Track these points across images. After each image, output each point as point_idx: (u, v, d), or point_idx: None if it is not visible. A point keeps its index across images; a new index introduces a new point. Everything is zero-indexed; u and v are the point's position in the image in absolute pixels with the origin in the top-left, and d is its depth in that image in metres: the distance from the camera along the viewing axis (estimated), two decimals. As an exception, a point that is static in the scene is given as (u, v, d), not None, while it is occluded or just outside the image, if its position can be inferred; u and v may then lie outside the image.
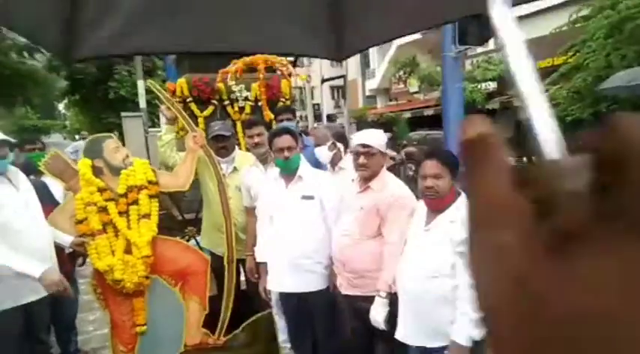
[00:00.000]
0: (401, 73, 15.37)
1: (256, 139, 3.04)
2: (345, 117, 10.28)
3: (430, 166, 2.11)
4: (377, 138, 2.47)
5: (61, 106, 41.25)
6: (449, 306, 2.05)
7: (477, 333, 1.97)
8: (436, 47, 20.19)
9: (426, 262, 2.10)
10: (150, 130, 10.49)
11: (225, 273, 3.12)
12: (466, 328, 1.96)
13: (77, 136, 10.45)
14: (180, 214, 3.49)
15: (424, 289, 2.09)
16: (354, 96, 24.20)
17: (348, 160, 2.91)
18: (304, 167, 2.75)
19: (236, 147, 3.37)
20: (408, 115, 19.23)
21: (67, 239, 2.80)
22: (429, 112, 17.50)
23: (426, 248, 2.12)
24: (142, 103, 11.71)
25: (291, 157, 2.63)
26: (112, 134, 3.01)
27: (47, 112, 43.06)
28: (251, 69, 4.32)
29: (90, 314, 4.34)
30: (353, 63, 26.30)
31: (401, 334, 2.23)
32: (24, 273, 2.36)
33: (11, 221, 2.50)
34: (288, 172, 2.70)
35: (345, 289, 2.52)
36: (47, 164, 2.83)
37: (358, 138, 2.45)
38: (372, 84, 24.88)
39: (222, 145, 3.22)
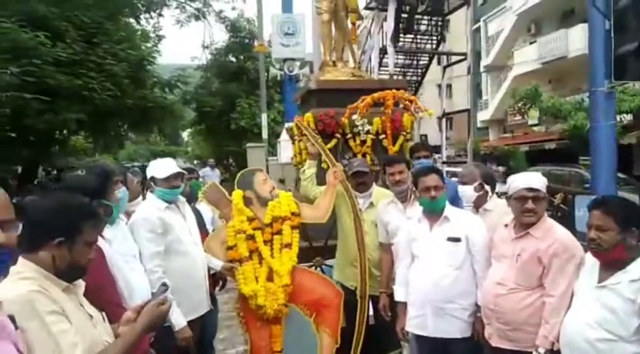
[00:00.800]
0: (520, 104, 14.57)
1: (397, 177, 3.06)
2: (469, 150, 9.88)
3: (595, 216, 1.96)
4: (541, 181, 2.35)
5: (184, 134, 45.56)
6: (625, 372, 1.84)
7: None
8: (557, 78, 19.09)
9: (601, 323, 1.91)
10: (269, 158, 11.19)
11: (358, 307, 3.15)
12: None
13: (205, 165, 11.46)
14: (308, 242, 3.60)
15: (597, 352, 1.90)
16: (463, 127, 23.42)
17: (494, 203, 2.79)
18: (451, 208, 2.70)
19: (374, 183, 3.42)
20: (525, 148, 18.11)
21: (217, 263, 3.03)
22: (551, 145, 16.31)
23: (600, 307, 1.94)
24: (265, 134, 12.56)
25: (438, 198, 2.60)
26: (261, 168, 3.24)
27: (172, 140, 47.83)
28: (376, 104, 4.41)
29: (219, 333, 4.59)
30: (463, 93, 25.64)
31: (562, 398, 2.04)
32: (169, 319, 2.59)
33: (177, 244, 2.77)
34: (434, 212, 2.67)
35: (495, 342, 2.38)
36: (206, 194, 3.13)
37: (523, 181, 2.33)
38: (484, 115, 23.96)
39: (361, 181, 3.29)
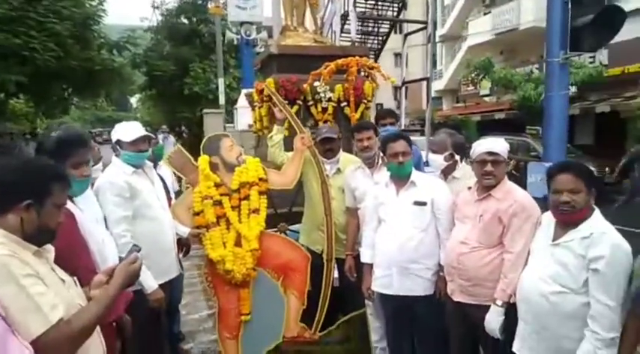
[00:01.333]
0: (473, 74, 14.93)
1: (366, 143, 3.10)
2: (427, 119, 9.95)
3: (566, 180, 2.05)
4: (502, 146, 2.45)
5: (133, 100, 43.71)
6: (575, 323, 2.00)
7: (606, 353, 1.93)
8: (509, 49, 19.64)
9: (554, 277, 2.05)
10: (226, 125, 10.96)
11: (324, 270, 3.22)
12: (596, 347, 1.92)
13: (160, 133, 11.06)
14: (273, 209, 3.62)
15: (550, 305, 2.05)
16: (418, 96, 23.84)
17: (462, 170, 2.90)
18: (417, 173, 2.78)
19: (340, 149, 3.44)
20: (477, 118, 18.70)
21: (184, 230, 2.99)
22: (501, 115, 16.92)
23: (554, 263, 2.08)
24: (222, 100, 12.26)
25: (405, 163, 2.67)
26: (227, 133, 3.19)
27: (120, 105, 45.86)
28: (338, 71, 4.39)
29: (182, 299, 4.59)
30: (419, 63, 25.93)
31: (517, 347, 2.20)
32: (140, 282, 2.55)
33: (146, 209, 2.71)
34: (401, 177, 2.74)
35: (457, 296, 2.52)
36: (171, 159, 3.05)
37: (484, 146, 2.44)
38: (439, 85, 24.42)
39: (329, 147, 3.31)
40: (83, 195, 2.11)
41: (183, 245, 3.41)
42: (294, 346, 3.12)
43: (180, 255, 3.43)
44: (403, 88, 12.85)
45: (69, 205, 1.80)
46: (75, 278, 1.54)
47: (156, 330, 2.81)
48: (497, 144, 2.44)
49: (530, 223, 2.32)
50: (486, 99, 19.82)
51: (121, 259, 1.67)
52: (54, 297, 1.33)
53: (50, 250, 1.49)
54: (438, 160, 2.86)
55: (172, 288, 3.26)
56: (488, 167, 2.39)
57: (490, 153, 2.40)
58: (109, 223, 2.51)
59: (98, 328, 1.51)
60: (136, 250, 1.65)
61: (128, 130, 2.74)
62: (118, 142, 2.73)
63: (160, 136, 11.22)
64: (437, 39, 21.68)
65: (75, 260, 1.69)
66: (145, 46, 18.30)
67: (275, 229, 3.57)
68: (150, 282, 2.62)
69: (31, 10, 9.69)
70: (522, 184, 4.23)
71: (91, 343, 1.44)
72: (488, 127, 16.58)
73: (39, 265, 1.37)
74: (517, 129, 13.91)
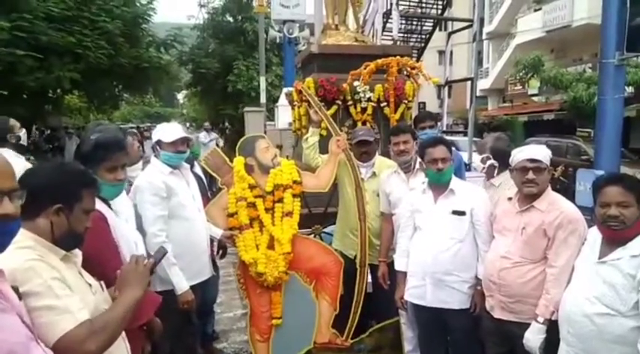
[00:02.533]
0: (521, 73, 14.35)
1: (402, 147, 3.01)
2: (470, 119, 9.58)
3: (615, 192, 1.92)
4: (544, 152, 2.32)
5: (179, 96, 45.02)
6: (622, 348, 1.86)
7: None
8: (560, 47, 18.78)
9: (600, 298, 1.92)
10: (267, 123, 11.06)
11: (357, 276, 3.16)
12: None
13: (202, 131, 11.27)
14: (307, 209, 3.59)
15: (595, 326, 1.91)
16: (462, 95, 23.23)
17: (502, 178, 2.76)
18: (456, 180, 2.68)
19: (377, 153, 3.37)
20: (524, 118, 18.01)
21: (217, 231, 3.00)
22: (550, 116, 16.22)
23: (600, 282, 1.94)
24: (263, 98, 12.38)
25: (444, 170, 2.57)
26: (263, 134, 3.18)
27: (167, 101, 47.33)
28: (378, 71, 4.30)
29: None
30: (464, 61, 25.27)
31: (560, 368, 2.08)
32: (172, 282, 2.60)
33: (180, 210, 2.72)
34: (439, 184, 2.64)
35: (498, 313, 2.40)
36: (208, 160, 3.07)
37: (526, 153, 2.32)
38: (484, 84, 23.70)
39: (364, 150, 3.24)
40: (119, 198, 2.14)
41: (220, 247, 3.46)
42: (325, 352, 3.09)
43: (217, 256, 3.48)
44: (446, 87, 12.52)
45: (103, 208, 1.82)
46: (102, 282, 1.56)
47: (187, 331, 2.83)
48: (539, 151, 2.32)
49: (577, 236, 2.18)
50: (534, 99, 19.05)
51: (150, 257, 1.68)
52: (80, 300, 1.34)
53: (78, 254, 1.52)
54: (476, 161, 2.75)
55: (205, 289, 3.30)
56: (530, 175, 2.27)
57: (532, 160, 2.28)
58: (145, 222, 2.55)
59: (124, 333, 1.52)
60: (163, 252, 1.65)
61: (168, 131, 2.76)
62: (158, 142, 2.76)
63: (202, 134, 11.49)
64: (484, 36, 21.05)
65: (106, 263, 1.71)
66: (191, 44, 18.76)
67: (309, 231, 3.54)
68: (181, 283, 2.63)
69: (84, 9, 10.11)
70: (570, 191, 4.02)
71: (116, 347, 1.45)
72: (536, 128, 15.95)
73: (66, 269, 1.39)
74: (567, 131, 13.29)
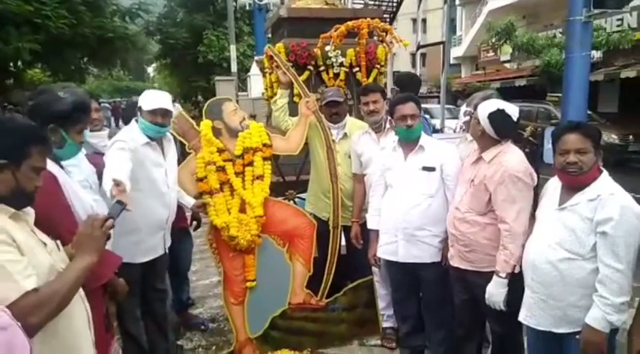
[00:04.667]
0: (494, 39, 14.36)
1: (372, 107, 2.99)
2: (442, 85, 9.62)
3: (573, 140, 1.95)
4: (483, 106, 2.33)
5: (149, 70, 43.68)
6: (584, 290, 1.93)
7: (617, 319, 1.86)
8: (532, 13, 18.83)
9: (561, 243, 1.97)
10: (240, 93, 10.87)
11: (330, 238, 3.19)
12: (605, 313, 1.85)
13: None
14: (280, 177, 3.57)
15: (558, 272, 1.97)
16: (436, 63, 23.20)
17: None
18: (426, 137, 2.68)
19: (347, 114, 3.34)
20: (496, 85, 18.16)
21: (189, 201, 2.91)
22: (521, 82, 16.37)
23: (561, 228, 1.99)
24: (234, 67, 12.10)
25: (414, 126, 2.56)
26: (230, 97, 3.10)
27: (137, 75, 45.89)
28: (349, 34, 4.23)
29: (192, 266, 4.63)
30: (438, 29, 25.16)
31: (523, 316, 2.14)
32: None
33: (146, 183, 2.51)
34: (409, 141, 2.64)
35: (456, 262, 2.47)
36: (174, 124, 2.98)
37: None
38: (458, 52, 23.70)
39: (335, 111, 3.21)
40: (76, 160, 2.06)
41: (194, 219, 3.39)
42: (300, 313, 3.13)
43: (191, 228, 3.42)
44: (418, 54, 12.46)
45: (54, 168, 1.75)
46: (58, 242, 1.51)
47: (153, 297, 2.76)
48: (481, 106, 2.36)
49: (523, 189, 2.23)
50: (507, 65, 19.17)
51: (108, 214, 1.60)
52: (27, 266, 1.29)
53: (30, 213, 1.45)
54: (461, 113, 2.77)
55: (181, 256, 3.27)
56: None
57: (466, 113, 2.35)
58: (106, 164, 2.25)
59: (82, 292, 1.49)
60: (120, 208, 1.59)
61: (149, 98, 2.55)
62: (139, 108, 2.56)
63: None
64: (456, 2, 20.92)
65: (57, 223, 1.65)
66: (157, 14, 18.10)
67: (283, 197, 3.53)
68: None
69: (42, -25, 9.59)
70: (539, 153, 4.11)
71: (74, 308, 1.42)
72: (509, 94, 16.07)
73: (16, 228, 1.33)
74: (538, 96, 13.46)
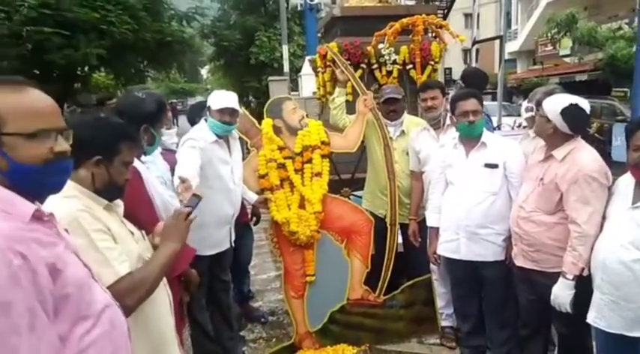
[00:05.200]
0: (553, 32, 13.72)
1: (430, 103, 2.97)
2: (499, 80, 9.27)
3: None
4: (550, 103, 2.24)
5: (203, 71, 45.03)
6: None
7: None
8: (594, 4, 17.83)
9: (635, 243, 1.89)
10: (291, 93, 11.03)
11: (388, 235, 3.20)
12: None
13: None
14: (337, 174, 3.61)
15: (631, 272, 1.89)
16: (489, 59, 22.50)
17: None
18: (488, 133, 2.64)
19: (405, 111, 3.34)
20: (555, 80, 17.38)
21: (252, 196, 3.03)
22: (582, 77, 15.60)
23: (634, 227, 1.91)
24: (286, 67, 12.30)
25: (476, 122, 2.53)
26: (290, 96, 3.18)
27: (192, 77, 47.42)
28: (403, 32, 4.20)
29: (251, 261, 4.77)
30: (491, 24, 24.39)
31: (592, 318, 2.06)
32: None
33: (214, 180, 2.65)
34: (471, 137, 2.61)
35: (520, 262, 2.41)
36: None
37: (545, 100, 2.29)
38: (513, 46, 22.86)
39: (392, 109, 3.22)
40: (152, 156, 2.21)
41: (254, 214, 3.53)
42: (359, 308, 3.16)
43: (252, 222, 3.56)
44: (474, 50, 12.14)
45: (136, 163, 1.89)
46: (143, 231, 1.62)
47: (218, 288, 2.89)
48: (548, 99, 2.27)
49: (597, 189, 2.12)
50: (567, 60, 18.31)
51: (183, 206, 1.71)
52: (121, 253, 1.40)
53: (120, 204, 1.57)
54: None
55: (242, 251, 3.39)
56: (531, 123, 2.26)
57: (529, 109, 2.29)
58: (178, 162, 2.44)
59: (165, 279, 1.59)
60: (197, 200, 1.68)
61: (217, 98, 2.72)
62: (208, 107, 2.73)
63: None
64: (513, -5, 20.19)
65: (141, 215, 1.77)
66: (212, 17, 18.65)
67: (339, 195, 3.58)
68: None
69: (106, -17, 10.12)
70: (606, 151, 3.92)
71: (158, 294, 1.51)
72: (569, 89, 15.26)
73: (109, 219, 1.45)
74: (602, 91, 12.78)
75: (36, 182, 1.05)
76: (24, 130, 1.01)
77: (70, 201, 1.38)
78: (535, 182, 2.34)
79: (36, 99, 1.06)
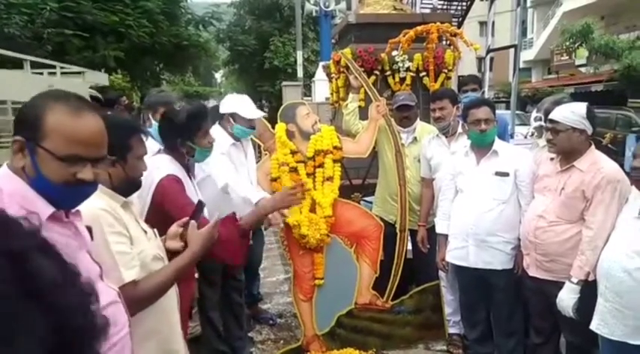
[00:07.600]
0: (568, 42, 13.62)
1: (437, 113, 3.01)
2: (513, 88, 9.22)
3: None
4: (567, 112, 2.25)
5: (217, 75, 45.39)
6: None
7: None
8: (611, 13, 17.67)
9: (639, 252, 1.90)
10: (304, 98, 11.11)
11: (397, 241, 3.22)
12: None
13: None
14: (348, 179, 3.65)
15: (634, 281, 1.90)
16: (504, 67, 22.38)
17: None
18: (499, 142, 2.66)
19: (418, 118, 3.37)
20: (570, 90, 17.25)
21: (258, 195, 3.08)
22: (598, 87, 15.48)
23: (639, 237, 1.92)
24: (300, 73, 12.41)
25: (488, 131, 2.55)
26: (304, 101, 3.23)
27: (206, 81, 47.86)
28: (417, 39, 4.23)
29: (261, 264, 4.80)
30: (507, 32, 24.27)
31: (595, 326, 2.07)
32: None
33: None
34: (482, 145, 2.63)
35: (533, 272, 2.42)
36: (251, 126, 3.16)
37: (553, 113, 2.29)
38: (528, 55, 22.71)
39: (405, 115, 3.25)
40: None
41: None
42: (366, 313, 3.18)
43: (263, 227, 3.60)
44: (488, 59, 12.09)
45: (180, 173, 2.02)
46: (155, 230, 1.66)
47: (231, 286, 2.97)
48: (558, 110, 2.27)
49: (616, 196, 2.14)
50: (582, 70, 18.16)
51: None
52: (133, 257, 1.43)
53: (134, 202, 1.62)
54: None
55: (252, 254, 3.43)
56: (548, 135, 2.28)
57: (550, 120, 2.28)
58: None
59: None
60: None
61: (247, 108, 2.85)
62: (233, 114, 2.83)
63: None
64: (528, 4, 20.07)
65: (173, 217, 1.81)
66: (228, 22, 18.88)
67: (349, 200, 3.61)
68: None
69: (125, -13, 10.33)
70: (619, 159, 3.89)
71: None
72: (584, 100, 15.11)
73: (128, 219, 1.49)
74: (618, 102, 12.63)
75: (53, 197, 1.09)
76: (56, 152, 1.06)
77: (93, 198, 1.43)
78: (555, 193, 2.34)
79: (84, 126, 1.10)
